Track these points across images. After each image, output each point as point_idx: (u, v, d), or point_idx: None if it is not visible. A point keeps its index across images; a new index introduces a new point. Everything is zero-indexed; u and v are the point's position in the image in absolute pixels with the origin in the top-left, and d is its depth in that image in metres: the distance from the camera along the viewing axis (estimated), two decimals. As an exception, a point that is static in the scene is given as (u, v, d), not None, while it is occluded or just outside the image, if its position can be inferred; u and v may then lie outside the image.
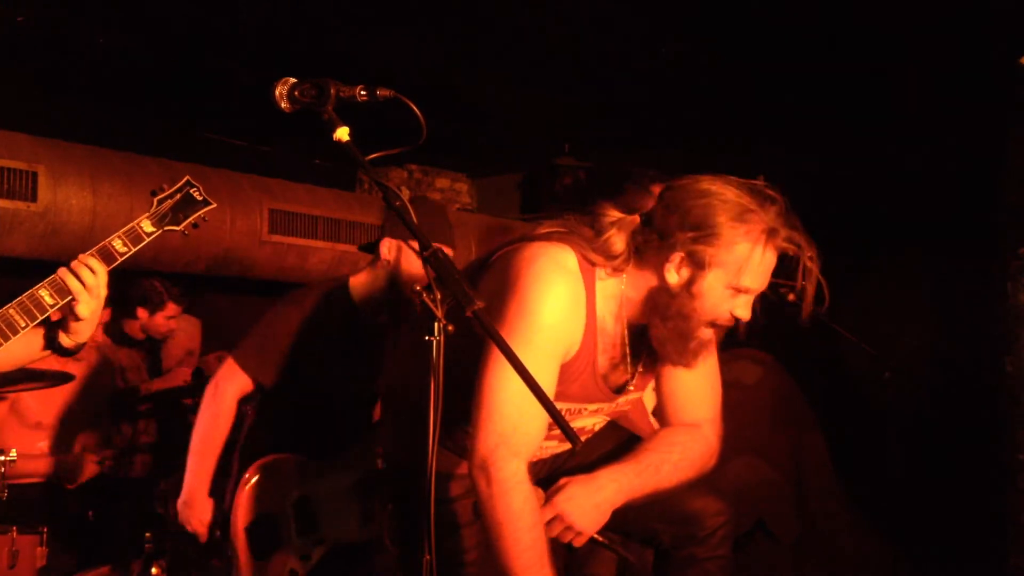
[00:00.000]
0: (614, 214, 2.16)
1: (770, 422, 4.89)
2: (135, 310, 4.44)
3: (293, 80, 1.89)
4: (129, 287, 4.38)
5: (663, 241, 2.07)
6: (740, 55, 4.31)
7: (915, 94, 4.64)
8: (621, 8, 3.86)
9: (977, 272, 4.46)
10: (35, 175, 4.14)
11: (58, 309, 2.09)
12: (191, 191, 2.36)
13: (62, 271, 2.09)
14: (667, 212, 2.08)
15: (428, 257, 1.72)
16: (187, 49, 4.25)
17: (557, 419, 1.74)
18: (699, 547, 2.32)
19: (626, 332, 2.19)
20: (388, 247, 3.16)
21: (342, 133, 1.83)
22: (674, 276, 2.07)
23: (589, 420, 2.34)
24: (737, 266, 2.04)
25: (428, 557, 1.69)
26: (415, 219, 1.79)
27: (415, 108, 1.88)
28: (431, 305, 1.69)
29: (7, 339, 2.06)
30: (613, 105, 4.98)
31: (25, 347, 2.15)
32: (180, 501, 3.12)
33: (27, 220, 4.15)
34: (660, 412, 2.42)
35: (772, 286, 3.96)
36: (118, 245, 2.20)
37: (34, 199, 4.13)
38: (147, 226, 2.26)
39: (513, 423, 2.02)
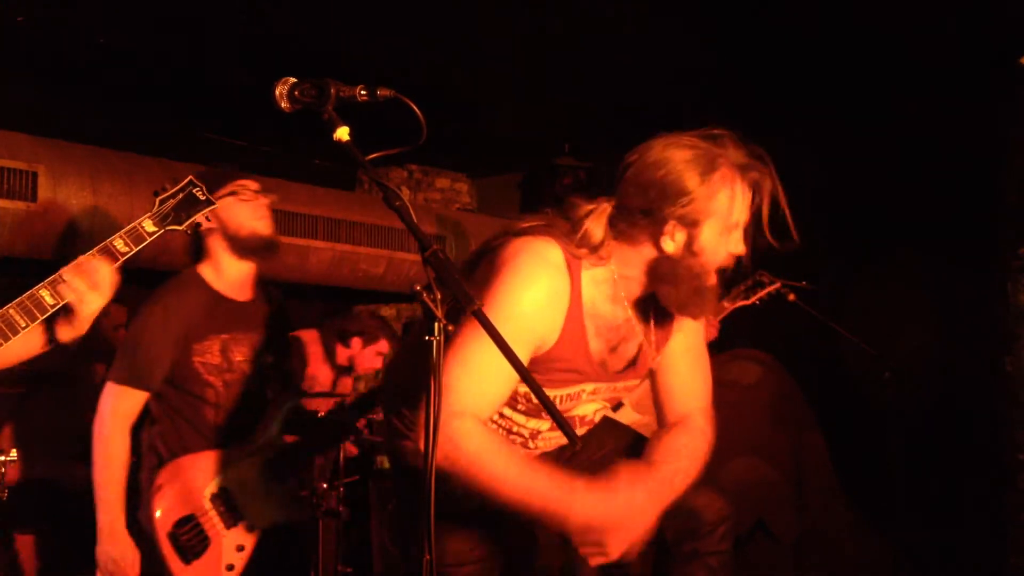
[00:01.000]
0: (584, 206, 2.20)
1: (770, 422, 4.89)
2: (350, 340, 4.69)
3: (293, 80, 1.89)
4: (349, 318, 4.80)
5: (649, 217, 2.11)
6: (740, 55, 4.31)
7: (915, 94, 4.64)
8: (621, 8, 3.86)
9: (977, 272, 4.46)
10: (35, 175, 4.14)
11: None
12: (194, 191, 2.36)
13: (66, 271, 2.10)
14: (638, 190, 2.12)
15: (428, 257, 1.72)
16: (187, 49, 4.25)
17: (557, 419, 1.74)
18: (701, 542, 2.33)
19: (632, 310, 2.22)
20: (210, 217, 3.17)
21: (342, 133, 1.82)
22: (671, 244, 2.12)
23: (589, 407, 2.35)
24: (725, 211, 2.11)
25: (428, 557, 1.69)
26: (414, 218, 1.79)
27: (415, 108, 1.88)
28: (431, 305, 1.69)
29: (7, 339, 2.06)
30: (613, 105, 4.98)
31: (24, 343, 2.16)
32: (101, 547, 2.96)
33: (27, 220, 4.15)
34: (655, 403, 2.45)
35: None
36: (119, 244, 2.20)
37: (34, 199, 4.13)
38: (149, 226, 2.26)
39: (459, 393, 2.03)
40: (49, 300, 2.09)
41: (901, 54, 4.23)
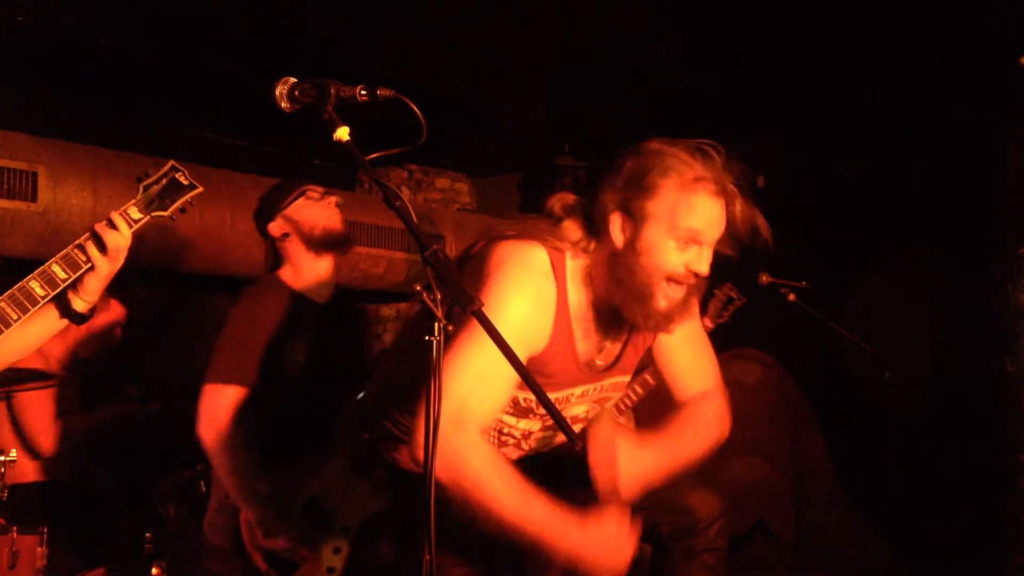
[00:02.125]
0: (563, 201, 2.23)
1: (770, 422, 4.90)
2: None
3: (293, 80, 1.89)
4: None
5: (605, 208, 2.13)
6: (740, 55, 4.31)
7: (915, 94, 4.65)
8: (621, 8, 3.86)
9: (977, 272, 4.46)
10: (35, 175, 4.14)
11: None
12: (176, 176, 2.37)
13: (82, 240, 2.18)
14: (609, 183, 2.14)
15: (428, 257, 1.72)
16: (187, 49, 4.25)
17: (559, 421, 1.75)
18: (697, 539, 2.35)
19: (592, 310, 2.22)
20: (276, 226, 3.22)
21: (342, 133, 1.83)
22: (619, 236, 2.12)
23: (580, 408, 2.35)
24: (671, 214, 2.07)
25: (428, 557, 1.69)
26: (414, 218, 1.79)
27: (415, 108, 1.88)
28: (431, 305, 1.69)
29: None
30: (613, 105, 4.98)
31: (41, 324, 2.21)
32: (254, 530, 3.03)
33: (27, 220, 4.15)
34: (667, 393, 2.48)
35: (772, 286, 4.00)
36: None
37: (34, 199, 4.13)
38: (135, 212, 2.27)
39: (461, 400, 2.01)
40: (39, 292, 2.11)
41: (901, 54, 4.23)
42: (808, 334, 4.34)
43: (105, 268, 2.18)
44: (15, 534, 3.05)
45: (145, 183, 2.32)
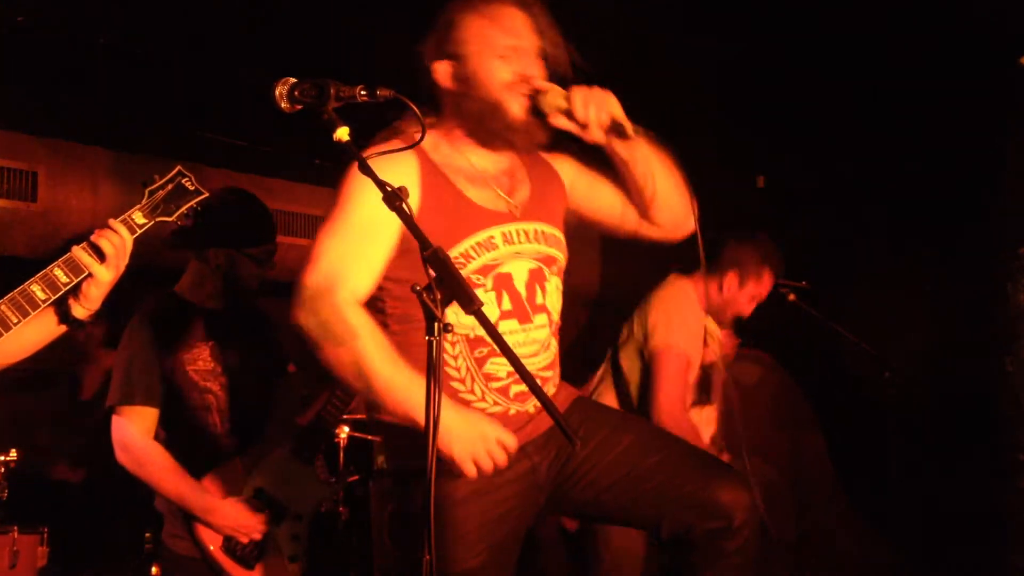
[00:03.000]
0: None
1: (770, 422, 4.89)
2: None
3: (293, 80, 1.89)
4: None
5: (429, 70, 2.30)
6: (739, 55, 4.31)
7: (915, 94, 4.64)
8: (621, 7, 3.86)
9: (977, 272, 4.46)
10: (35, 175, 4.14)
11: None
12: (183, 181, 2.37)
13: (78, 248, 2.13)
14: (417, 56, 2.33)
15: (428, 257, 1.72)
16: (187, 49, 4.25)
17: (546, 406, 1.74)
18: (729, 540, 2.30)
19: (467, 160, 2.32)
20: (218, 256, 3.23)
21: (342, 133, 1.83)
22: (450, 81, 2.28)
23: (520, 264, 2.32)
24: (481, 36, 2.25)
25: (428, 557, 1.69)
26: (414, 218, 1.79)
27: (415, 108, 1.88)
28: (431, 305, 1.69)
29: None
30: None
31: (39, 328, 2.18)
32: (217, 524, 3.04)
33: (27, 220, 4.15)
34: (630, 222, 2.53)
35: (772, 286, 3.99)
36: None
37: (34, 199, 4.13)
38: (139, 217, 2.26)
39: (337, 263, 2.13)
40: (40, 295, 2.09)
41: (901, 54, 4.23)
42: (808, 334, 4.34)
43: (104, 276, 2.14)
44: (15, 534, 3.05)
45: (150, 188, 2.32)
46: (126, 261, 2.17)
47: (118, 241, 2.15)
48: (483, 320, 1.75)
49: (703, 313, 3.72)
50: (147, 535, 3.55)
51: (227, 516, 3.03)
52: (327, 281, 2.10)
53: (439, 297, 1.70)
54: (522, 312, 2.30)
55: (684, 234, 2.56)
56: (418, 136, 2.02)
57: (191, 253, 3.29)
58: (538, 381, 2.22)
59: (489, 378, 2.27)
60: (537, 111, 2.24)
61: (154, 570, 3.49)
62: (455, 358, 2.25)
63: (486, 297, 2.26)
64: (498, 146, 2.32)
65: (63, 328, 2.23)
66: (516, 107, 2.24)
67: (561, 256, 2.43)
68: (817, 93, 4.75)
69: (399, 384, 2.06)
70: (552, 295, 2.37)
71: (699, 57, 4.34)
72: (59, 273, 2.11)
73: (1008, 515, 4.25)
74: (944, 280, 4.69)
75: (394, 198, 1.78)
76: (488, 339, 2.14)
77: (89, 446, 4.20)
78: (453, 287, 1.70)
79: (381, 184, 1.80)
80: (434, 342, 1.70)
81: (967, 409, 4.56)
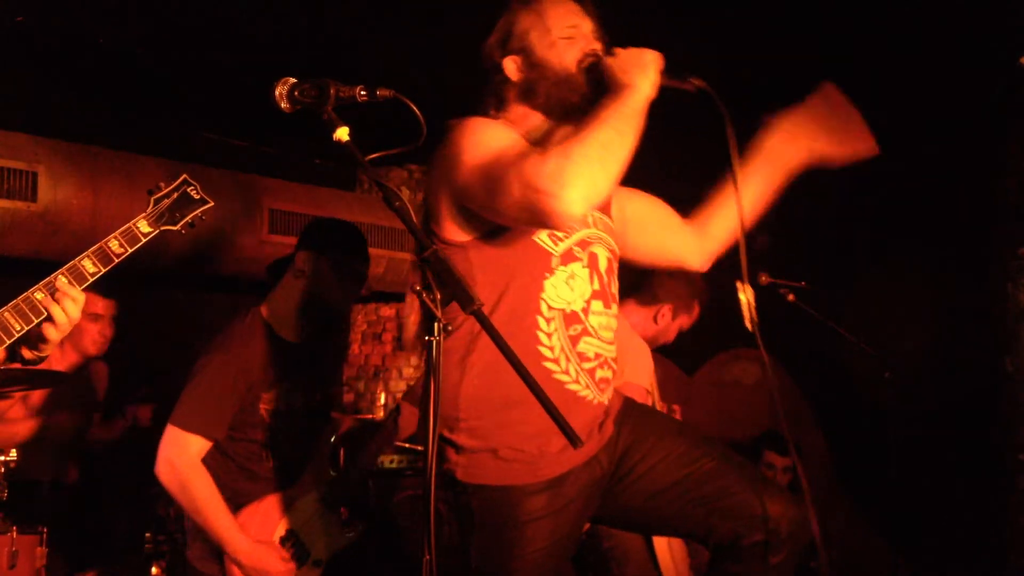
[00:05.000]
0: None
1: (770, 422, 4.89)
2: None
3: (293, 80, 1.89)
4: None
5: (498, 72, 2.34)
6: (738, 56, 4.31)
7: (915, 93, 4.64)
8: (620, 7, 3.86)
9: (977, 272, 4.46)
10: (35, 175, 4.14)
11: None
12: (188, 190, 2.35)
13: (36, 296, 2.05)
14: (484, 62, 2.39)
15: (428, 257, 1.72)
16: (187, 48, 4.25)
17: (555, 417, 1.75)
18: (773, 554, 2.29)
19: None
20: (304, 258, 3.17)
21: (342, 133, 1.83)
22: (518, 72, 2.32)
23: (601, 249, 2.31)
24: (544, 24, 2.31)
25: (428, 557, 1.70)
26: (415, 220, 1.79)
27: (415, 108, 1.88)
28: (431, 305, 1.69)
29: (1, 343, 2.04)
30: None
31: None
32: (251, 568, 3.04)
33: (27, 220, 4.15)
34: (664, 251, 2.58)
35: (771, 286, 3.99)
36: (115, 246, 2.19)
37: (34, 199, 4.13)
38: (144, 226, 2.25)
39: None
40: (16, 326, 2.05)
41: (901, 54, 4.23)
42: (808, 334, 4.34)
43: (52, 332, 2.06)
44: (15, 534, 3.05)
45: (156, 196, 2.30)
46: (78, 319, 2.09)
47: (71, 302, 2.06)
48: (482, 320, 1.74)
49: (643, 341, 3.71)
50: (147, 535, 3.56)
51: (258, 560, 3.03)
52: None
53: (439, 297, 1.70)
54: (605, 296, 2.27)
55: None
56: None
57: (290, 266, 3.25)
58: (611, 372, 2.29)
59: (582, 358, 2.22)
60: (603, 82, 2.23)
61: (154, 570, 3.50)
62: (549, 335, 2.18)
63: (582, 272, 2.23)
64: (576, 118, 2.25)
65: (4, 365, 2.15)
66: (588, 79, 2.26)
67: (615, 238, 2.42)
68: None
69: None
70: (616, 287, 2.36)
71: (698, 57, 4.33)
72: (11, 320, 2.05)
73: (1008, 515, 4.25)
74: (944, 280, 4.69)
75: (394, 197, 1.79)
76: (582, 317, 2.21)
77: (91, 446, 4.21)
78: (453, 287, 1.70)
79: (381, 184, 1.80)
80: (434, 342, 1.70)
81: (967, 409, 4.56)
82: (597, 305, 2.24)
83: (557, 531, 2.18)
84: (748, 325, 2.93)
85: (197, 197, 2.35)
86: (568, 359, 2.18)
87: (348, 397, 5.93)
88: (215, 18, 3.91)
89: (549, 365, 2.16)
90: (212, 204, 2.38)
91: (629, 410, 2.39)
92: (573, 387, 2.19)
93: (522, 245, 2.18)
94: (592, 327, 2.22)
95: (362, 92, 1.88)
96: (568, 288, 2.20)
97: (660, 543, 3.57)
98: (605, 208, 2.39)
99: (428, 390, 1.70)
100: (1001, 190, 4.35)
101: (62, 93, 4.73)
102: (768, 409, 4.85)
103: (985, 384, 4.39)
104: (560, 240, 2.21)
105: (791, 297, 3.98)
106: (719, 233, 2.54)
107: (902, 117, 4.82)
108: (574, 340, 2.19)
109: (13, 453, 3.13)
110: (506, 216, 2.10)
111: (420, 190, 6.36)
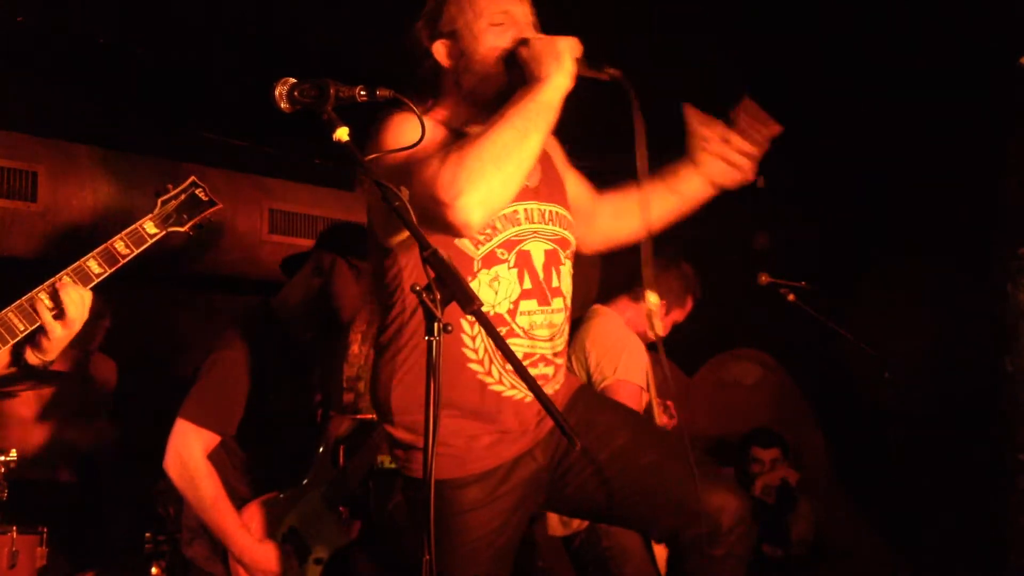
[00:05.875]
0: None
1: (769, 422, 4.90)
2: None
3: (293, 80, 1.89)
4: None
5: (427, 56, 2.28)
6: (737, 56, 4.31)
7: (915, 94, 4.64)
8: (620, 7, 3.86)
9: (977, 272, 4.46)
10: (35, 175, 4.13)
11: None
12: (196, 191, 2.35)
13: (38, 297, 2.04)
14: (413, 44, 2.32)
15: (428, 257, 1.72)
16: (187, 48, 4.25)
17: (550, 411, 1.74)
18: (718, 546, 2.30)
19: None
20: (325, 259, 3.18)
21: (342, 133, 1.83)
22: (448, 59, 2.27)
23: (536, 245, 2.29)
24: (474, 8, 2.24)
25: (428, 557, 1.70)
26: (414, 219, 1.79)
27: (415, 108, 1.88)
28: (431, 305, 1.69)
29: (5, 343, 2.04)
30: (612, 104, 4.97)
31: None
32: (253, 567, 3.05)
33: (27, 220, 4.15)
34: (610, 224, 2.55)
35: (771, 286, 3.99)
36: (120, 247, 2.18)
37: (34, 199, 4.13)
38: (150, 227, 2.24)
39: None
40: (49, 303, 2.06)
41: (900, 54, 4.23)
42: (808, 334, 4.34)
43: (58, 332, 2.05)
44: (15, 534, 3.05)
45: (163, 198, 2.29)
46: (87, 316, 2.07)
47: (78, 299, 2.05)
48: (482, 320, 1.74)
49: (637, 337, 3.71)
50: (147, 535, 3.56)
51: (260, 560, 3.04)
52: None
53: (439, 297, 1.70)
54: (541, 293, 2.27)
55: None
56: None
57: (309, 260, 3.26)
58: (551, 368, 2.28)
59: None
60: (520, 72, 2.18)
61: (154, 570, 3.50)
62: (473, 338, 2.21)
63: (508, 274, 2.23)
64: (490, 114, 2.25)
65: (11, 370, 2.14)
66: (507, 70, 2.21)
67: (573, 240, 2.40)
68: (817, 93, 4.74)
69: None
70: (565, 279, 2.35)
71: (698, 57, 4.34)
72: (15, 320, 2.05)
73: (1008, 515, 4.25)
74: (944, 280, 4.69)
75: (394, 197, 1.78)
76: (508, 320, 2.20)
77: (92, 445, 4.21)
78: (453, 286, 1.70)
79: (381, 184, 1.80)
80: (434, 342, 1.70)
81: (967, 409, 4.56)
82: (528, 304, 2.24)
83: (490, 523, 2.22)
84: (651, 334, 2.91)
85: (205, 199, 2.35)
86: (492, 361, 2.21)
87: (348, 397, 5.92)
88: (215, 18, 3.91)
89: (474, 367, 2.22)
90: (220, 206, 2.39)
91: (576, 402, 2.40)
92: (497, 388, 2.23)
93: (443, 248, 2.15)
94: (520, 327, 2.23)
95: (362, 92, 1.88)
96: (491, 291, 2.21)
97: None
98: (557, 195, 2.38)
99: (428, 390, 1.70)
100: (1001, 190, 4.34)
101: (62, 93, 4.72)
102: (768, 409, 4.86)
103: (985, 384, 4.39)
104: (481, 243, 2.21)
105: (791, 297, 3.98)
106: (624, 228, 2.54)
107: (902, 117, 4.82)
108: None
109: (13, 453, 3.13)
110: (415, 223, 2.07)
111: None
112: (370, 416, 4.39)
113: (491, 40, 2.22)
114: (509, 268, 2.23)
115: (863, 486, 4.58)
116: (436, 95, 2.32)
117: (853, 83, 4.60)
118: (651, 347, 3.75)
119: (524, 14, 2.28)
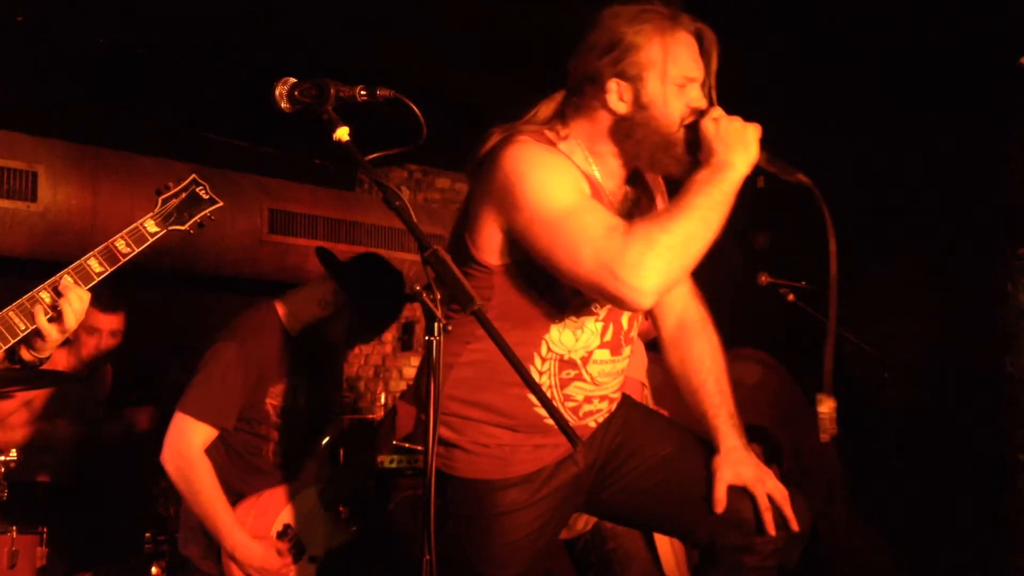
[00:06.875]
0: (543, 105, 2.28)
1: (771, 422, 4.89)
2: None
3: (293, 80, 1.89)
4: None
5: (595, 83, 2.14)
6: (736, 56, 4.31)
7: (915, 94, 4.64)
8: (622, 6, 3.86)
9: (977, 272, 4.46)
10: (35, 175, 4.14)
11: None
12: (197, 190, 2.34)
13: (38, 297, 2.04)
14: (579, 59, 2.17)
15: (428, 257, 1.72)
16: (187, 49, 4.25)
17: (556, 417, 1.75)
18: (749, 555, 2.30)
19: (624, 182, 2.24)
20: (335, 294, 3.20)
21: (342, 133, 1.83)
22: (619, 103, 2.13)
23: None
24: (663, 59, 2.10)
25: (428, 557, 1.69)
26: (415, 219, 1.79)
27: (415, 108, 1.88)
28: (431, 305, 1.69)
29: (6, 342, 2.04)
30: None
31: None
32: (246, 564, 3.05)
33: (27, 220, 4.15)
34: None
35: (772, 286, 3.99)
36: (121, 246, 2.17)
37: (34, 199, 4.13)
38: (151, 226, 2.23)
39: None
40: (49, 302, 2.06)
41: (901, 54, 4.23)
42: (808, 334, 4.33)
43: (54, 334, 2.05)
44: (15, 534, 3.05)
45: (164, 196, 2.28)
46: (81, 319, 2.07)
47: (76, 302, 2.05)
48: (482, 320, 1.74)
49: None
50: (147, 535, 3.56)
51: (254, 556, 3.04)
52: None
53: (439, 297, 1.70)
54: (617, 345, 2.26)
55: None
56: (552, 139, 2.11)
57: (329, 272, 3.27)
58: (607, 403, 2.29)
59: (567, 398, 2.22)
60: (696, 143, 2.10)
61: (154, 570, 3.50)
62: (541, 373, 2.18)
63: (594, 326, 2.20)
64: (651, 169, 2.23)
65: (3, 364, 2.14)
66: (686, 140, 2.12)
67: None
68: (817, 93, 4.74)
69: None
70: (636, 325, 2.34)
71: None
72: (15, 319, 2.05)
73: (1008, 515, 4.25)
74: (944, 280, 4.69)
75: (394, 197, 1.79)
76: (579, 365, 2.20)
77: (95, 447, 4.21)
78: (453, 287, 1.70)
79: (381, 184, 1.80)
80: (434, 342, 1.70)
81: (967, 409, 4.56)
82: (602, 354, 2.23)
83: (530, 524, 2.20)
84: (824, 437, 2.87)
85: (206, 197, 2.34)
86: (553, 397, 2.19)
87: (348, 397, 5.93)
88: (216, 18, 3.91)
89: (531, 397, 2.16)
90: (221, 204, 2.37)
91: (619, 408, 2.40)
92: (549, 421, 2.17)
93: (546, 286, 2.11)
94: (589, 374, 2.23)
95: (362, 92, 1.88)
96: (573, 337, 2.19)
97: (663, 543, 3.57)
98: None
99: (428, 390, 1.70)
100: (1002, 191, 4.35)
101: (62, 93, 4.73)
102: (768, 409, 4.85)
103: (985, 384, 4.39)
104: (582, 295, 2.17)
105: (791, 297, 3.98)
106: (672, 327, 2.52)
107: (903, 117, 4.82)
108: (564, 383, 2.21)
109: (13, 453, 3.13)
110: (568, 280, 2.03)
111: (420, 190, 6.37)
112: (371, 416, 4.40)
113: (672, 101, 2.12)
114: (596, 321, 2.20)
115: (863, 486, 4.57)
116: (567, 120, 2.23)
117: (853, 83, 4.60)
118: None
119: (702, 81, 2.18)
